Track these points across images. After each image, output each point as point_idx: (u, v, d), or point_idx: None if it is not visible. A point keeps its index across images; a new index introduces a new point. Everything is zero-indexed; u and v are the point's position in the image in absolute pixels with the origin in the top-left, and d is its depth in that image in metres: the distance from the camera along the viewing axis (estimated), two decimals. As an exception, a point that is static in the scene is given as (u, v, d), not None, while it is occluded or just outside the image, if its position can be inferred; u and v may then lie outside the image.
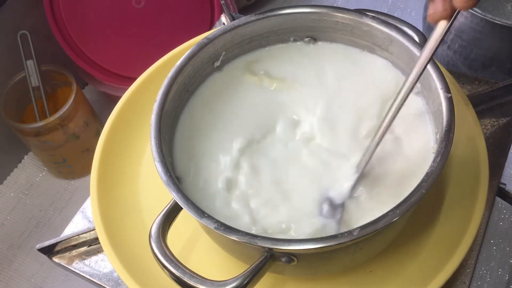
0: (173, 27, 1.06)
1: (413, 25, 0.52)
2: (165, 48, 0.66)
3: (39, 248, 0.58)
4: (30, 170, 1.14)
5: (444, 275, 0.47)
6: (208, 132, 0.53)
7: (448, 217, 0.51)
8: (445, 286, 0.47)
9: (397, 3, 1.26)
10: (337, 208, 0.47)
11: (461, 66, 0.93)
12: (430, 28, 0.96)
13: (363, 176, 0.48)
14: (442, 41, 0.44)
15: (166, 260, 0.42)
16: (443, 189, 0.53)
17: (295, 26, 0.56)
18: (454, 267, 0.48)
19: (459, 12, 0.42)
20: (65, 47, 1.04)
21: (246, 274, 0.41)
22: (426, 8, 0.99)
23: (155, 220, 0.45)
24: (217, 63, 0.56)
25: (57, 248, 0.59)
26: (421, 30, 0.66)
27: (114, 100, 0.67)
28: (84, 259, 0.58)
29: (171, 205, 0.45)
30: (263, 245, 0.40)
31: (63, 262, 0.58)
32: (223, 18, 0.75)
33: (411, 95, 0.52)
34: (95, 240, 0.58)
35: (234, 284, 0.40)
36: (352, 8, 0.53)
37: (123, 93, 0.63)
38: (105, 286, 0.56)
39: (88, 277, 0.57)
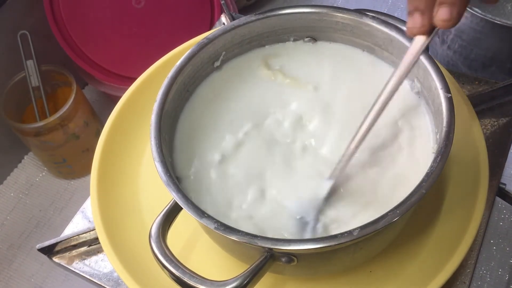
0: (173, 27, 1.06)
1: (413, 25, 0.52)
2: (165, 48, 0.66)
3: (39, 248, 0.58)
4: (30, 170, 1.14)
5: (444, 275, 0.47)
6: (208, 132, 0.53)
7: (448, 217, 0.51)
8: (445, 286, 0.47)
9: (397, 3, 1.26)
10: (312, 213, 0.46)
11: (461, 66, 0.93)
12: (430, 28, 0.96)
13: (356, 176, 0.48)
14: (420, 56, 0.43)
15: (166, 260, 0.42)
16: (443, 189, 0.53)
17: (295, 26, 0.56)
18: (454, 267, 0.48)
19: (438, 29, 0.41)
20: (65, 47, 1.04)
21: (246, 274, 0.41)
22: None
23: (155, 220, 0.45)
24: (217, 63, 0.56)
25: (57, 248, 0.59)
26: (421, 30, 0.65)
27: (114, 100, 0.67)
28: (84, 259, 0.58)
29: (171, 205, 0.45)
30: (263, 245, 0.40)
31: (63, 262, 0.58)
32: (223, 18, 0.75)
33: (412, 95, 0.52)
34: (95, 240, 0.58)
35: (234, 284, 0.40)
36: (352, 8, 0.53)
37: (123, 93, 0.63)
38: (105, 286, 0.56)
39: (88, 277, 0.57)
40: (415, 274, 0.49)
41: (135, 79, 0.63)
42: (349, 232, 0.39)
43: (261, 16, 0.54)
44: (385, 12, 0.52)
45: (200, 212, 0.42)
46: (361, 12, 0.52)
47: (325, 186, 0.47)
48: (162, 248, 0.43)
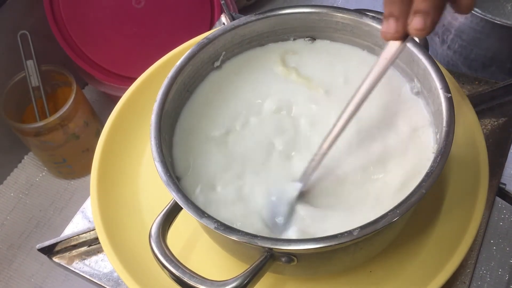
0: (173, 27, 1.06)
1: (413, 25, 0.52)
2: (165, 48, 0.66)
3: (39, 248, 0.58)
4: (30, 170, 1.14)
5: (444, 275, 0.47)
6: (208, 131, 0.53)
7: (448, 217, 0.51)
8: (445, 286, 0.47)
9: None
10: (283, 211, 0.47)
11: (461, 66, 0.92)
12: (430, 28, 0.96)
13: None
14: (394, 60, 0.42)
15: (166, 260, 0.42)
16: (443, 189, 0.53)
17: (295, 26, 0.56)
18: (454, 267, 0.48)
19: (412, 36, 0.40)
20: (65, 47, 1.04)
21: (246, 274, 0.41)
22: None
23: (155, 220, 0.45)
24: (217, 63, 0.56)
25: (57, 248, 0.59)
26: (421, 30, 0.65)
27: (114, 100, 0.67)
28: (84, 259, 0.58)
29: (171, 205, 0.45)
30: (263, 245, 0.40)
31: (63, 262, 0.58)
32: (223, 18, 0.75)
33: (412, 95, 0.52)
34: (95, 240, 0.58)
35: (234, 284, 0.40)
36: (352, 8, 0.53)
37: (123, 93, 0.63)
38: (105, 286, 0.56)
39: (88, 277, 0.57)
40: (415, 274, 0.49)
41: (135, 79, 0.63)
42: (349, 232, 0.39)
43: (261, 16, 0.54)
44: (385, 12, 0.52)
45: (200, 212, 0.42)
46: (361, 12, 0.52)
47: (296, 187, 0.47)
48: (162, 248, 0.43)
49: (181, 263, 0.42)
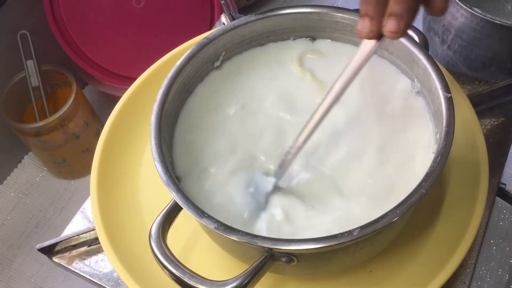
0: (173, 27, 1.06)
1: (413, 25, 0.52)
2: (165, 48, 0.66)
3: (39, 248, 0.58)
4: (30, 170, 1.14)
5: (444, 275, 0.47)
6: (208, 131, 0.53)
7: (448, 217, 0.51)
8: (445, 286, 0.47)
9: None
10: (258, 203, 0.47)
11: (461, 66, 0.92)
12: (430, 28, 0.96)
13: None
14: (369, 59, 0.43)
15: (166, 260, 0.42)
16: (443, 189, 0.53)
17: (295, 26, 0.56)
18: (454, 267, 0.48)
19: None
20: (65, 47, 1.04)
21: (246, 274, 0.41)
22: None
23: (155, 220, 0.45)
24: (217, 63, 0.56)
25: (57, 248, 0.59)
26: (421, 30, 0.66)
27: (114, 100, 0.67)
28: (84, 259, 0.58)
29: (171, 205, 0.45)
30: (263, 245, 0.40)
31: (63, 262, 0.58)
32: (223, 18, 0.75)
33: (412, 95, 0.52)
34: (95, 240, 0.58)
35: (234, 284, 0.40)
36: (352, 8, 0.53)
37: (123, 93, 0.63)
38: (105, 286, 0.56)
39: (88, 277, 0.57)
40: (415, 274, 0.49)
41: (135, 79, 0.63)
42: (349, 232, 0.39)
43: (261, 16, 0.54)
44: (385, 12, 0.52)
45: (200, 212, 0.42)
46: (361, 12, 0.52)
47: (271, 181, 0.48)
48: (162, 248, 0.43)
49: (181, 263, 0.42)
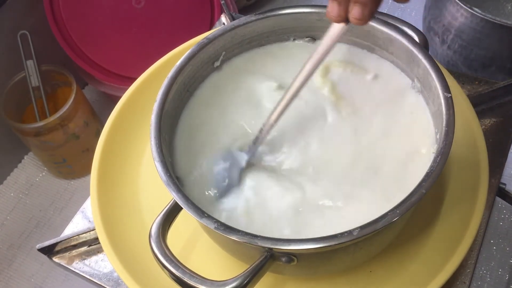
0: (173, 27, 1.06)
1: (413, 25, 0.52)
2: (165, 48, 0.66)
3: (39, 248, 0.58)
4: (30, 170, 1.14)
5: (444, 275, 0.47)
6: (208, 131, 0.53)
7: (448, 217, 0.51)
8: (445, 286, 0.47)
9: (397, 3, 1.26)
10: (231, 177, 0.49)
11: (461, 66, 0.93)
12: (430, 28, 0.96)
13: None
14: (337, 40, 0.45)
15: (166, 260, 0.42)
16: (443, 189, 0.53)
17: (295, 26, 0.56)
18: (454, 267, 0.48)
19: None
20: (65, 47, 1.04)
21: (246, 274, 0.41)
22: (426, 8, 0.99)
23: (155, 220, 0.45)
24: (217, 63, 0.56)
25: (57, 248, 0.59)
26: (421, 30, 0.66)
27: (114, 100, 0.67)
28: (84, 259, 0.58)
29: (171, 205, 0.45)
30: (263, 245, 0.40)
31: (63, 262, 0.58)
32: (223, 18, 0.75)
33: (412, 95, 0.52)
34: (95, 240, 0.58)
35: (234, 284, 0.40)
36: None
37: (123, 93, 0.63)
38: (105, 286, 0.56)
39: (88, 277, 0.57)
40: (415, 274, 0.49)
41: (135, 79, 0.63)
42: (349, 232, 0.39)
43: (261, 16, 0.54)
44: (385, 12, 0.52)
45: (200, 212, 0.42)
46: (361, 12, 0.52)
47: (243, 157, 0.50)
48: (162, 248, 0.43)
49: (181, 263, 0.42)
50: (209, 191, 0.48)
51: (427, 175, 0.42)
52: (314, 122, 0.52)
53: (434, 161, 0.42)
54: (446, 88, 0.46)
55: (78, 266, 0.58)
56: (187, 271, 0.41)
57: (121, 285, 0.56)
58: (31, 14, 1.06)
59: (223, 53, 0.55)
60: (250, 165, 0.50)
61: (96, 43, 1.06)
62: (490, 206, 0.56)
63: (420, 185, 0.41)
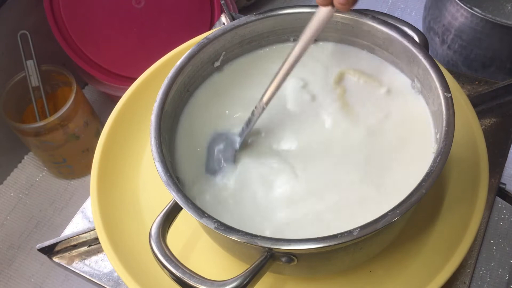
0: (173, 27, 1.06)
1: (413, 25, 0.52)
2: (165, 48, 0.66)
3: (39, 248, 0.58)
4: (30, 170, 1.14)
5: (444, 275, 0.47)
6: (208, 131, 0.53)
7: (448, 217, 0.51)
8: (445, 286, 0.47)
9: (397, 3, 1.26)
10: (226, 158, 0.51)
11: (461, 66, 0.93)
12: (430, 28, 0.96)
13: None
14: (324, 24, 0.48)
15: (166, 260, 0.42)
16: (443, 189, 0.53)
17: (295, 26, 0.56)
18: (454, 267, 0.48)
19: None
20: (65, 47, 1.04)
21: (246, 274, 0.41)
22: (426, 8, 0.99)
23: (155, 220, 0.45)
24: (217, 63, 0.56)
25: (57, 248, 0.59)
26: (421, 30, 0.66)
27: (114, 100, 0.67)
28: (84, 259, 0.58)
29: (171, 205, 0.45)
30: (263, 245, 0.40)
31: (63, 262, 0.58)
32: (223, 18, 0.75)
33: (412, 95, 0.52)
34: (95, 240, 0.58)
35: (234, 284, 0.40)
36: (351, 8, 0.53)
37: (123, 93, 0.63)
38: (105, 286, 0.56)
39: (88, 277, 0.57)
40: (415, 274, 0.49)
41: (135, 79, 0.63)
42: (349, 232, 0.39)
43: (261, 16, 0.54)
44: (385, 12, 0.52)
45: (200, 212, 0.42)
46: (361, 12, 0.52)
47: (236, 140, 0.51)
48: (162, 248, 0.43)
49: (181, 263, 0.42)
50: (203, 169, 0.50)
51: (427, 175, 0.42)
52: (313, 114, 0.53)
53: (434, 161, 0.42)
54: (446, 88, 0.46)
55: (78, 266, 0.58)
56: (187, 271, 0.41)
57: (121, 285, 0.56)
58: (31, 14, 1.06)
59: (223, 53, 0.55)
60: (245, 148, 0.51)
61: (96, 43, 1.06)
62: (490, 206, 0.56)
63: (420, 185, 0.41)
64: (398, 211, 0.40)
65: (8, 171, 1.13)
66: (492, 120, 0.62)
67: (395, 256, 0.50)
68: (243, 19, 0.54)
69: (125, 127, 0.61)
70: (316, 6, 0.54)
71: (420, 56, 0.48)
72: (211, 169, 0.50)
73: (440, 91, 0.46)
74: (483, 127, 0.60)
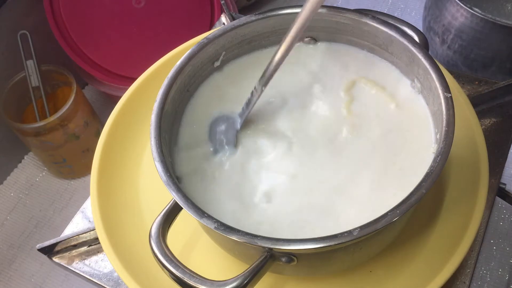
0: (173, 27, 1.06)
1: (413, 25, 0.52)
2: (165, 48, 0.66)
3: (39, 248, 0.58)
4: (30, 170, 1.14)
5: (444, 275, 0.47)
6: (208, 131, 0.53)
7: (448, 217, 0.51)
8: (445, 286, 0.47)
9: (397, 3, 1.26)
10: (227, 139, 0.52)
11: (461, 66, 0.93)
12: (430, 28, 0.96)
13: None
14: (319, 6, 0.47)
15: (166, 260, 0.42)
16: (443, 189, 0.53)
17: (295, 26, 0.56)
18: (454, 267, 0.48)
19: None
20: (65, 47, 1.04)
21: (246, 274, 0.41)
22: (426, 8, 0.99)
23: (155, 220, 0.45)
24: (217, 63, 0.56)
25: (57, 248, 0.59)
26: (421, 30, 0.66)
27: (114, 100, 0.67)
28: (84, 259, 0.58)
29: (171, 205, 0.45)
30: (263, 245, 0.40)
31: (63, 262, 0.58)
32: (223, 18, 0.75)
33: (412, 95, 0.52)
34: (95, 240, 0.58)
35: (234, 284, 0.40)
36: (352, 8, 0.53)
37: (123, 93, 0.63)
38: (105, 286, 0.56)
39: (88, 277, 0.57)
40: (415, 274, 0.49)
41: (135, 79, 0.63)
42: (349, 232, 0.39)
43: (261, 16, 0.54)
44: (385, 12, 0.52)
45: (200, 212, 0.42)
46: (361, 12, 0.52)
47: (237, 120, 0.53)
48: (162, 248, 0.43)
49: (181, 263, 0.42)
50: (206, 147, 0.51)
51: (427, 175, 0.42)
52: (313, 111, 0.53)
53: (434, 161, 0.42)
54: (446, 88, 0.46)
55: (78, 266, 0.58)
56: (187, 271, 0.41)
57: (121, 285, 0.56)
58: (31, 14, 1.06)
59: (223, 53, 0.55)
60: (247, 129, 0.52)
61: (96, 43, 1.06)
62: (490, 206, 0.56)
63: (420, 185, 0.41)
64: (398, 211, 0.40)
65: (8, 171, 1.13)
66: (492, 120, 0.62)
67: (395, 256, 0.50)
68: (243, 19, 0.54)
69: (125, 127, 0.61)
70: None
71: (420, 56, 0.48)
72: (214, 147, 0.51)
73: (440, 91, 0.46)
74: (483, 127, 0.60)
